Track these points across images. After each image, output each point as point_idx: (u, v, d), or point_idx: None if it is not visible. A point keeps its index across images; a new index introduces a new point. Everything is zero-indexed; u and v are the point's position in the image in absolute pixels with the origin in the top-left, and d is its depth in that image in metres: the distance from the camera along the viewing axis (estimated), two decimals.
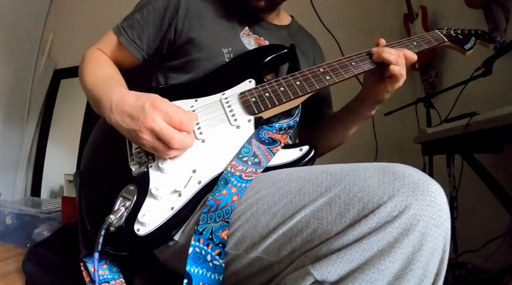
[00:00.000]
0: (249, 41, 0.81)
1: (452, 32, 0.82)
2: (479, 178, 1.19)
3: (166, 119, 0.56)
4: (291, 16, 0.98)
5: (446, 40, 0.79)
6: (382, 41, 0.73)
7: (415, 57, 0.70)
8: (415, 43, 0.75)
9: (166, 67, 0.81)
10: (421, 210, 0.40)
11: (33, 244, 0.98)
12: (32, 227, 1.47)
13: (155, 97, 0.58)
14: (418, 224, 0.40)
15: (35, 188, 2.48)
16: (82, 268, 0.62)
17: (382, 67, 0.69)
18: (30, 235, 1.44)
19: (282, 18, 0.93)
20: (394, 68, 0.67)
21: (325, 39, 0.99)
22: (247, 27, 0.83)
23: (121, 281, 0.58)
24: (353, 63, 0.69)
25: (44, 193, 2.46)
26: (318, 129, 0.94)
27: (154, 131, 0.55)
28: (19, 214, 1.52)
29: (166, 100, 0.58)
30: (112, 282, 0.57)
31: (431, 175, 1.35)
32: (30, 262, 0.75)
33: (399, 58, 0.68)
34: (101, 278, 0.57)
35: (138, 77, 0.80)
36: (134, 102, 0.58)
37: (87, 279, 0.60)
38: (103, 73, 0.72)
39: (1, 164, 2.35)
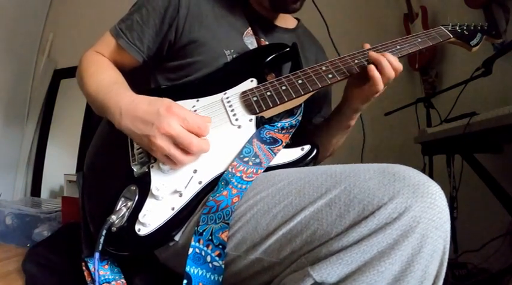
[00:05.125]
0: (252, 41, 0.80)
1: (457, 28, 0.80)
2: (479, 178, 1.19)
3: (184, 124, 0.55)
4: (298, 19, 0.94)
5: (452, 36, 0.77)
6: (367, 46, 0.71)
7: (400, 67, 0.67)
8: (419, 39, 0.73)
9: (166, 68, 0.79)
10: (421, 212, 0.41)
11: (33, 244, 0.98)
12: (32, 227, 1.47)
13: (170, 102, 0.57)
14: (418, 226, 0.40)
15: (35, 188, 2.48)
16: (84, 268, 0.62)
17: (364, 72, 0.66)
18: (30, 235, 1.44)
19: (288, 21, 0.89)
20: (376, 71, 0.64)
21: (323, 40, 0.99)
22: (250, 28, 0.81)
23: (122, 282, 0.58)
24: (356, 61, 0.68)
25: (44, 193, 2.46)
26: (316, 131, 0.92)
27: (171, 136, 0.54)
28: (19, 214, 1.52)
29: (181, 106, 0.58)
30: (113, 282, 0.57)
31: (431, 175, 1.35)
32: (30, 262, 0.75)
33: (384, 61, 0.64)
34: (102, 278, 0.57)
35: (136, 79, 0.78)
36: (147, 106, 0.57)
37: (89, 279, 0.60)
38: (105, 77, 0.70)
39: (1, 164, 2.35)
